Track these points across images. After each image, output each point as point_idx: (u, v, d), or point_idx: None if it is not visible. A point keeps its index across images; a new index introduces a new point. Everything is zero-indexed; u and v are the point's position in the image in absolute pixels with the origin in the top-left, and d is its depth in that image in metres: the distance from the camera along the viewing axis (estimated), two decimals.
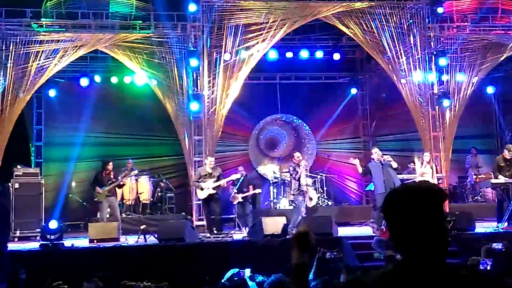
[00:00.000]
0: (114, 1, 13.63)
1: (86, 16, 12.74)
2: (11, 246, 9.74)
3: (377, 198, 10.66)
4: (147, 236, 10.24)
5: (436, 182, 11.11)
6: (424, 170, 11.32)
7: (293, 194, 11.28)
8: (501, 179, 10.80)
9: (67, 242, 9.82)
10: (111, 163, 11.49)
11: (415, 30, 13.26)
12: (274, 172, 14.85)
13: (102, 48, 13.07)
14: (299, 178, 11.04)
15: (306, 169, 11.99)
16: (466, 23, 13.57)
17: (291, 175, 11.31)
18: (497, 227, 10.39)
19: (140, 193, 13.05)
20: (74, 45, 12.72)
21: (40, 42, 12.55)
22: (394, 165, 10.58)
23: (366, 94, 16.57)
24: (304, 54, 15.12)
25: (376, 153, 10.83)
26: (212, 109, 12.64)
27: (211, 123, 12.63)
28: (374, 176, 10.68)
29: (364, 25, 13.30)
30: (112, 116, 14.71)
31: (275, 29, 12.96)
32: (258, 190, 12.33)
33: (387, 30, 13.21)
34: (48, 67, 12.55)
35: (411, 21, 13.29)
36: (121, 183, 11.46)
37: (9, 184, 11.54)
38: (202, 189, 11.02)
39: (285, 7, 13.01)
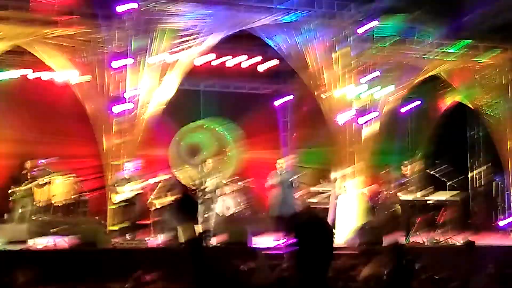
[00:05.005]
0: None
1: (5, 8, 12.25)
2: None
3: (272, 219, 10.89)
4: (57, 239, 9.95)
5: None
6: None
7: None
8: (404, 196, 11.44)
9: None
10: (28, 162, 11.22)
11: (337, 47, 13.72)
12: (193, 180, 14.78)
13: (21, 44, 12.61)
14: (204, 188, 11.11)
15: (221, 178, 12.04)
16: (385, 45, 14.17)
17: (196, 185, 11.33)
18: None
19: (53, 195, 12.63)
20: None
21: None
22: (295, 184, 10.84)
23: (288, 107, 16.92)
24: (229, 63, 15.22)
25: (282, 163, 11.01)
26: (133, 112, 12.48)
27: (132, 126, 12.47)
28: (274, 191, 10.92)
29: (288, 39, 13.65)
30: (28, 113, 14.16)
31: (202, 36, 13.03)
32: (175, 197, 12.22)
33: (311, 46, 13.61)
34: None
35: (334, 38, 13.74)
36: (40, 183, 11.15)
37: None
38: (117, 193, 10.85)
39: (213, 16, 13.09)
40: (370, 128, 13.84)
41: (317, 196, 13.36)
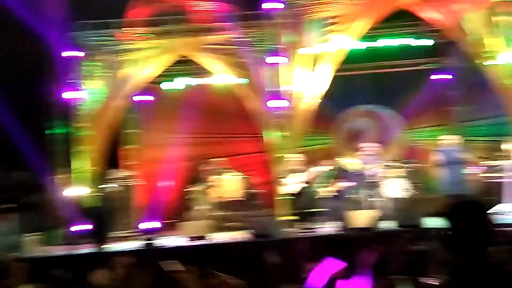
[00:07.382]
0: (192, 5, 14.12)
1: (165, 23, 13.28)
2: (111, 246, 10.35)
3: (444, 199, 10.19)
4: (234, 233, 10.55)
5: None
6: None
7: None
8: None
9: (160, 241, 10.27)
10: (201, 163, 12.03)
11: (499, 9, 12.72)
12: (357, 165, 14.66)
13: (184, 53, 13.55)
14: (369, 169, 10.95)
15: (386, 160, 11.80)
16: None
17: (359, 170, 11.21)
18: None
19: (225, 191, 13.38)
20: (158, 52, 13.34)
21: (125, 51, 13.30)
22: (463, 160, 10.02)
23: (453, 80, 16.01)
24: (385, 42, 14.83)
25: (446, 140, 10.23)
26: (293, 104, 12.78)
27: (294, 118, 12.78)
28: (441, 170, 10.19)
29: (443, 8, 12.97)
30: (196, 117, 15.12)
31: (355, 21, 12.95)
32: (342, 184, 12.28)
33: (468, 12, 12.81)
34: (136, 74, 13.29)
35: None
36: (215, 182, 11.90)
37: (107, 186, 12.23)
38: (286, 184, 11.20)
39: None
40: None
41: (490, 170, 12.49)
